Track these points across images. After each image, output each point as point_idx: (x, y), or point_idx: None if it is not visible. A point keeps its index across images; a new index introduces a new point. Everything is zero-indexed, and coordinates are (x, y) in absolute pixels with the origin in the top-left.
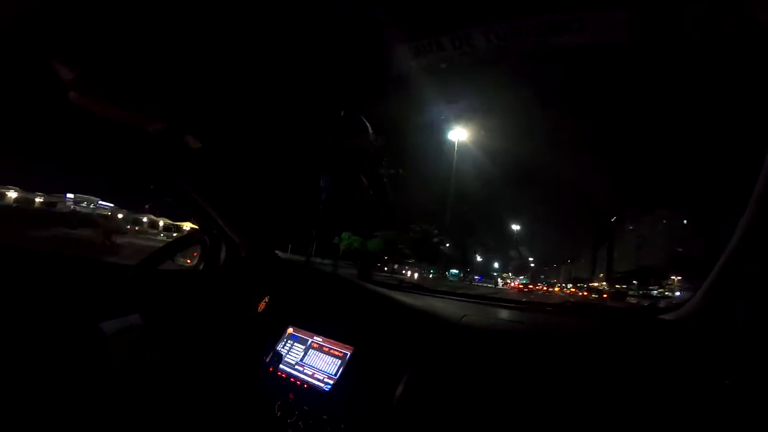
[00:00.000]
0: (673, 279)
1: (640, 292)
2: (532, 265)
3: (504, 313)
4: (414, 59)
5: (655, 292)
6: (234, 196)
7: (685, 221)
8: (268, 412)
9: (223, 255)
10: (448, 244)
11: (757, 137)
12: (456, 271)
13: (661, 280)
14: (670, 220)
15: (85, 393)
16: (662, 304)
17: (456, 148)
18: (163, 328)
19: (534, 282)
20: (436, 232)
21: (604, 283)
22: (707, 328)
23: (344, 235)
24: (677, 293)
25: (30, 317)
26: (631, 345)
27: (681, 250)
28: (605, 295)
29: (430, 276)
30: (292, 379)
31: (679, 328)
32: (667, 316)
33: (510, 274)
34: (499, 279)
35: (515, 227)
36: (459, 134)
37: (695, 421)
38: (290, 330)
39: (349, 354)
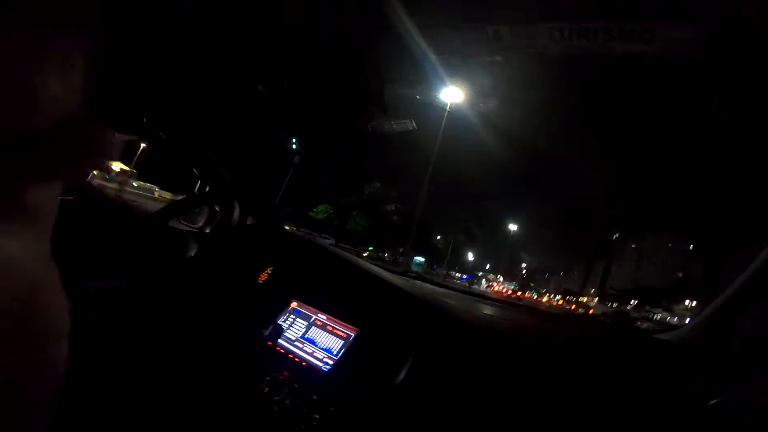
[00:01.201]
0: (668, 302)
1: (634, 312)
2: (524, 271)
3: (506, 312)
4: (469, 44)
5: (658, 315)
6: (247, 161)
7: (691, 247)
8: (255, 388)
9: (236, 218)
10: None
11: None
12: (421, 259)
13: (655, 301)
14: (675, 243)
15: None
16: (658, 326)
17: (447, 110)
18: (151, 290)
19: (523, 289)
20: (394, 196)
21: (595, 300)
22: (700, 352)
23: (321, 207)
24: (673, 318)
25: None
26: (626, 358)
27: (681, 275)
28: (590, 311)
29: (365, 254)
30: (290, 356)
31: (673, 348)
32: (662, 336)
33: (500, 277)
34: (483, 280)
35: (512, 227)
36: (454, 96)
37: None
38: (294, 304)
39: (353, 335)
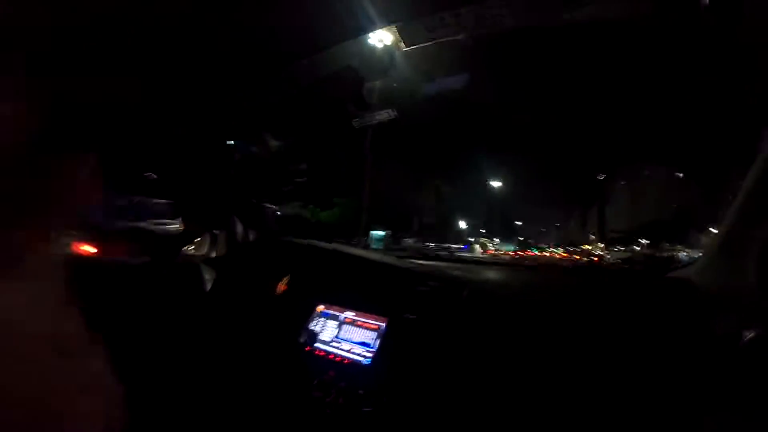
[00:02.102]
0: (667, 239)
1: (638, 251)
2: (520, 229)
3: (520, 276)
4: (431, 32)
5: (665, 253)
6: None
7: (680, 174)
8: (308, 391)
9: (239, 237)
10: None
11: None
12: (381, 233)
13: (658, 239)
14: (664, 174)
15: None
16: (663, 264)
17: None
18: (186, 321)
19: (524, 248)
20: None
21: (600, 245)
22: (718, 287)
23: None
24: (679, 254)
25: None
26: (639, 302)
27: (677, 206)
28: (595, 259)
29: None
30: (330, 356)
31: (689, 286)
32: (674, 274)
33: (496, 240)
34: (477, 246)
35: (495, 184)
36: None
37: (702, 377)
38: (320, 308)
39: (384, 326)
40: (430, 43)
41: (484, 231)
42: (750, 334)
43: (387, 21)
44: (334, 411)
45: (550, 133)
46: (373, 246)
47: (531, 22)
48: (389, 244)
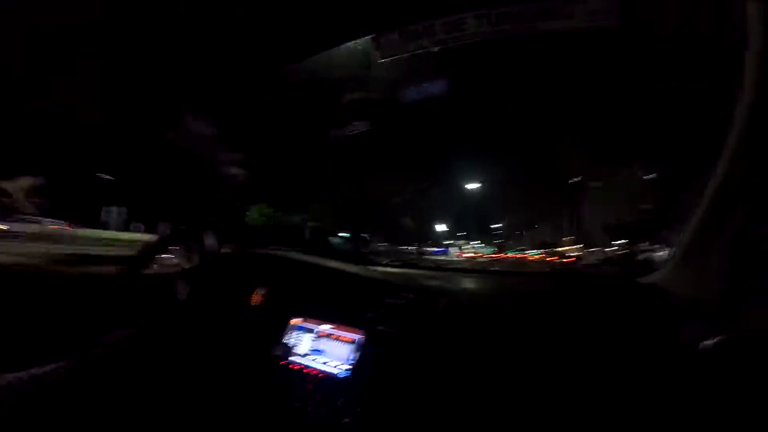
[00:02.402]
0: (645, 238)
1: (613, 252)
2: (498, 232)
3: (496, 283)
4: (406, 44)
5: (642, 253)
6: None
7: (653, 175)
8: (285, 405)
9: (212, 249)
10: None
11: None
12: (340, 239)
13: (632, 239)
14: (635, 175)
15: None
16: (638, 266)
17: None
18: (161, 333)
19: (500, 251)
20: None
21: (576, 246)
22: (683, 290)
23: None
24: (656, 254)
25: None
26: (610, 309)
27: (650, 206)
28: (572, 259)
29: None
30: (305, 370)
31: (655, 291)
32: (643, 280)
33: (477, 242)
34: (453, 249)
35: (472, 186)
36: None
37: (668, 385)
38: (294, 321)
39: (360, 338)
40: (406, 54)
41: (461, 234)
42: (713, 341)
43: (363, 33)
44: (314, 420)
45: (527, 136)
46: (336, 245)
47: (506, 33)
48: (358, 248)
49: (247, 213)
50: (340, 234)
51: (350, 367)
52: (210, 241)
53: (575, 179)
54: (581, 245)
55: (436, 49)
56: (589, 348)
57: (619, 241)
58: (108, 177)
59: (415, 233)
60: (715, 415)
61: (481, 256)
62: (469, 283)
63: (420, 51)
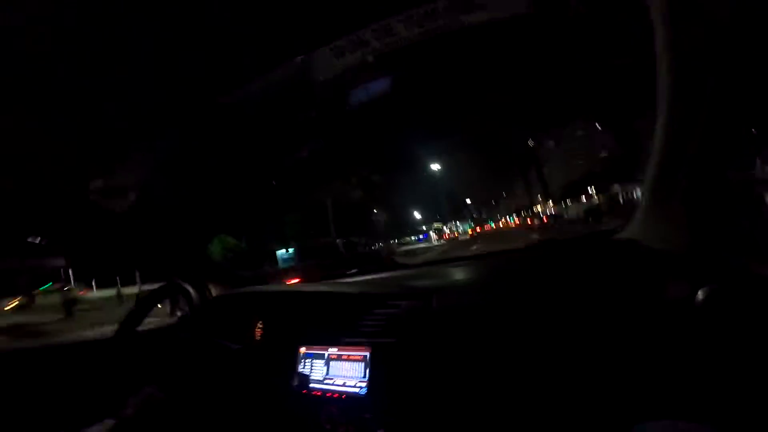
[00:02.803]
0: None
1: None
2: (471, 207)
3: (481, 268)
4: (339, 59)
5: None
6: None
7: (599, 126)
8: (317, 428)
9: (203, 296)
10: None
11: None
12: (285, 253)
13: (599, 190)
14: (585, 128)
15: None
16: (612, 224)
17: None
18: (181, 390)
19: (480, 224)
20: None
21: (550, 203)
22: (655, 243)
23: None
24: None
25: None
26: (593, 273)
27: (606, 155)
28: (544, 219)
29: None
30: (328, 395)
31: (632, 247)
32: (620, 236)
33: (456, 222)
34: (432, 233)
35: (435, 167)
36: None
37: (661, 340)
38: (302, 350)
39: (368, 354)
40: (342, 69)
41: (439, 217)
42: (703, 294)
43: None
44: None
45: (476, 111)
46: (282, 266)
47: (433, 30)
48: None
49: (208, 247)
50: (281, 251)
51: (366, 383)
52: (194, 290)
53: (530, 143)
54: (552, 203)
55: (371, 58)
56: (582, 316)
57: (582, 194)
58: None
59: (393, 227)
60: (707, 365)
61: (457, 236)
62: (456, 274)
63: (358, 62)
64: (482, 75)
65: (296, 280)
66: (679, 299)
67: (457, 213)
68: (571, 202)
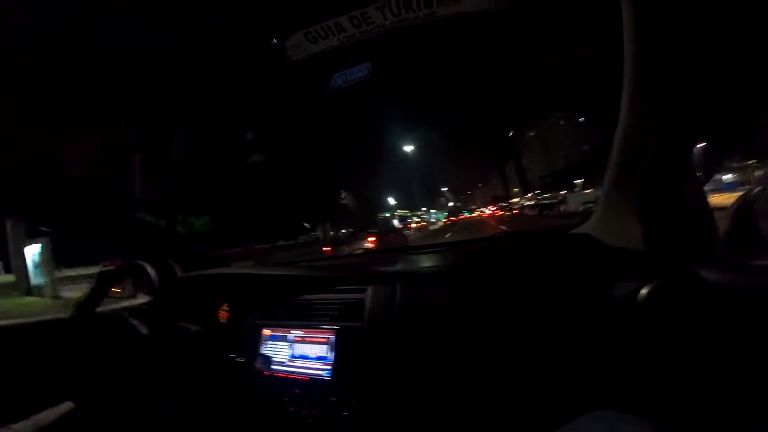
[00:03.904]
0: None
1: (553, 200)
2: (446, 196)
3: (443, 256)
4: (313, 43)
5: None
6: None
7: (581, 119)
8: (280, 413)
9: (166, 278)
10: None
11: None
12: None
13: (576, 181)
14: (566, 120)
15: None
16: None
17: None
18: (142, 364)
19: (455, 214)
20: None
21: (528, 195)
22: (611, 239)
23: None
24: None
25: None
26: (546, 264)
27: (587, 147)
28: (515, 211)
29: None
30: (291, 377)
31: (587, 242)
32: (577, 230)
33: (431, 210)
34: (395, 221)
35: (408, 148)
36: None
37: (606, 335)
38: (266, 331)
39: (333, 337)
40: (316, 52)
41: (412, 207)
42: (646, 290)
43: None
44: (315, 421)
45: (456, 100)
46: None
47: (409, 21)
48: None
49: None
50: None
51: (330, 366)
52: (154, 270)
53: (509, 134)
54: (531, 194)
55: (346, 43)
56: (532, 306)
57: (557, 186)
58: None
59: (362, 213)
60: (647, 360)
61: (426, 226)
62: (421, 261)
63: (330, 48)
64: (457, 64)
65: None
66: (625, 294)
67: (431, 201)
68: (550, 193)
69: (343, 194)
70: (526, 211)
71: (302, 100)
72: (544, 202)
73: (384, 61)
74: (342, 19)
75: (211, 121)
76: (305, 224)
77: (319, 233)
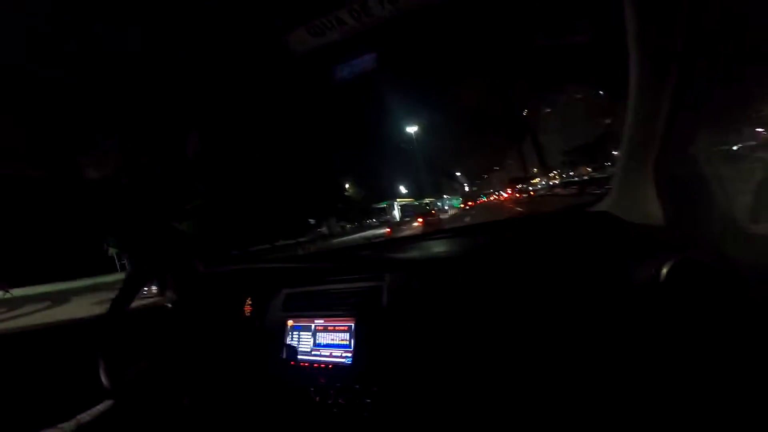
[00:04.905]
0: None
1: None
2: (461, 180)
3: (459, 243)
4: (316, 37)
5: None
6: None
7: (600, 92)
8: (307, 402)
9: (190, 275)
10: None
11: None
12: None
13: (596, 158)
14: (584, 93)
15: None
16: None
17: None
18: (173, 367)
19: (471, 199)
20: None
21: (553, 175)
22: (630, 216)
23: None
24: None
25: None
26: (564, 245)
27: (609, 121)
28: (532, 193)
29: None
30: (315, 365)
31: (605, 219)
32: (594, 208)
33: (445, 196)
34: (395, 212)
35: (412, 129)
36: None
37: (627, 314)
38: (290, 322)
39: (353, 325)
40: (319, 45)
41: (432, 192)
42: (666, 268)
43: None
44: (340, 410)
45: (469, 82)
46: None
47: (408, 6)
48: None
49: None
50: None
51: (351, 353)
52: (181, 268)
53: (524, 113)
54: (555, 174)
55: (347, 36)
56: (551, 287)
57: (578, 163)
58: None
59: (367, 203)
60: (673, 338)
61: (435, 216)
62: (437, 247)
63: (332, 41)
64: (466, 43)
65: None
66: (646, 272)
67: (447, 187)
68: (572, 172)
69: (348, 185)
70: (557, 191)
71: (303, 92)
72: (579, 179)
73: (390, 45)
74: (341, 11)
75: (212, 118)
76: (310, 220)
77: (324, 229)
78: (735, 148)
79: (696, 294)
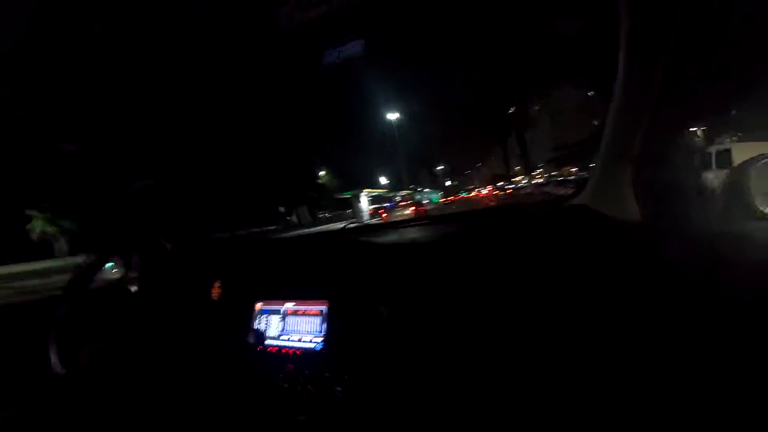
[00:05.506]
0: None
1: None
2: (443, 174)
3: (437, 230)
4: (304, 11)
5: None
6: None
7: (590, 93)
8: (275, 389)
9: (157, 254)
10: None
11: None
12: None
13: (582, 158)
14: (574, 93)
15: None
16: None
17: None
18: (133, 342)
19: (452, 194)
20: None
21: (537, 173)
22: (608, 211)
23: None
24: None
25: None
26: (540, 237)
27: (597, 122)
28: (509, 191)
29: None
30: (283, 351)
31: (580, 213)
32: (569, 202)
33: (425, 189)
34: (360, 204)
35: (393, 116)
36: None
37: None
38: (258, 305)
39: (325, 309)
40: (307, 20)
41: (411, 184)
42: (642, 262)
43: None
44: (310, 397)
45: (456, 73)
46: None
47: None
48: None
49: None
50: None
51: (322, 338)
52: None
53: (510, 111)
54: (527, 173)
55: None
56: (527, 277)
57: (562, 164)
58: None
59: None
60: (651, 332)
61: (444, 202)
62: (414, 233)
63: (323, 14)
64: (456, 33)
65: None
66: (622, 265)
67: (428, 180)
68: (555, 171)
69: (323, 172)
70: (547, 189)
71: (282, 73)
72: (575, 178)
73: (377, 29)
74: None
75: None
76: (280, 209)
77: (294, 218)
78: (712, 150)
79: (670, 288)
